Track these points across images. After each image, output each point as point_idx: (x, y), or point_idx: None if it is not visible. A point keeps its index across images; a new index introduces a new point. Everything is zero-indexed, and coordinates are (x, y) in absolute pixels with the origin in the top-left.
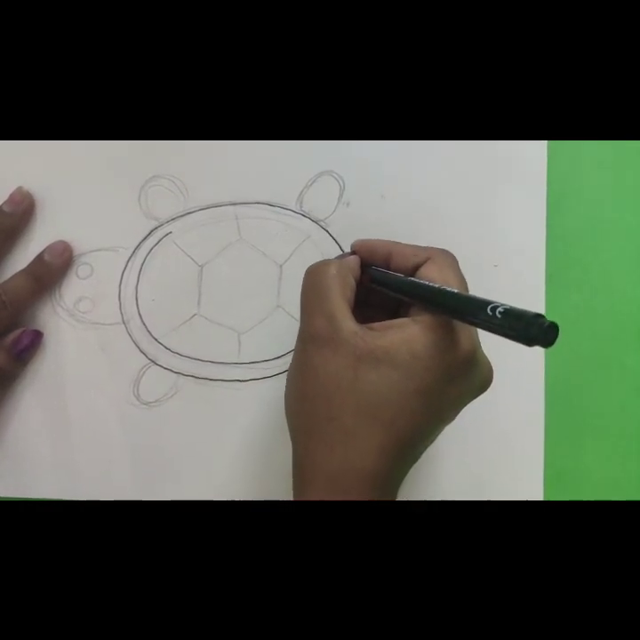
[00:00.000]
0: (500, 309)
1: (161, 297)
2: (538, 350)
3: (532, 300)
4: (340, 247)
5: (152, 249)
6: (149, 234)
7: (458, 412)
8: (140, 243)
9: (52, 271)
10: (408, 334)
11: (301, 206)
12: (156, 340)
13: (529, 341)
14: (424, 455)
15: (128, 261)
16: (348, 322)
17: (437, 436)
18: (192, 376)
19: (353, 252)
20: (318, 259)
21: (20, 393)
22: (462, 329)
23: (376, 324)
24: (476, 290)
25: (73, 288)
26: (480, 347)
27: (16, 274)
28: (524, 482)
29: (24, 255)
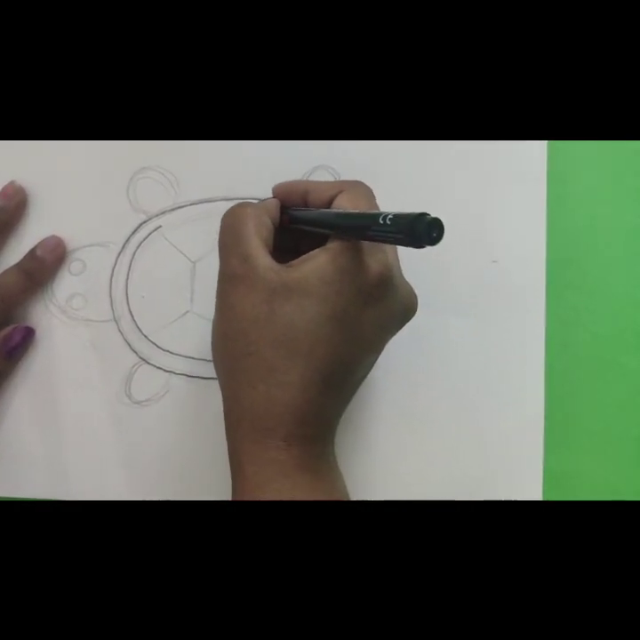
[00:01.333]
0: (389, 216)
1: (152, 294)
2: (538, 350)
3: (532, 300)
4: None
5: (141, 244)
6: (138, 228)
7: (383, 341)
8: (129, 237)
9: (44, 267)
10: (318, 263)
11: None
12: (146, 337)
13: (416, 241)
14: (423, 454)
15: (117, 257)
16: (262, 259)
17: (367, 368)
18: (184, 374)
19: (273, 197)
20: None
21: (11, 391)
22: (373, 252)
23: (293, 261)
24: (476, 289)
25: (65, 284)
26: (398, 272)
27: (8, 269)
28: (522, 482)
29: (17, 250)
